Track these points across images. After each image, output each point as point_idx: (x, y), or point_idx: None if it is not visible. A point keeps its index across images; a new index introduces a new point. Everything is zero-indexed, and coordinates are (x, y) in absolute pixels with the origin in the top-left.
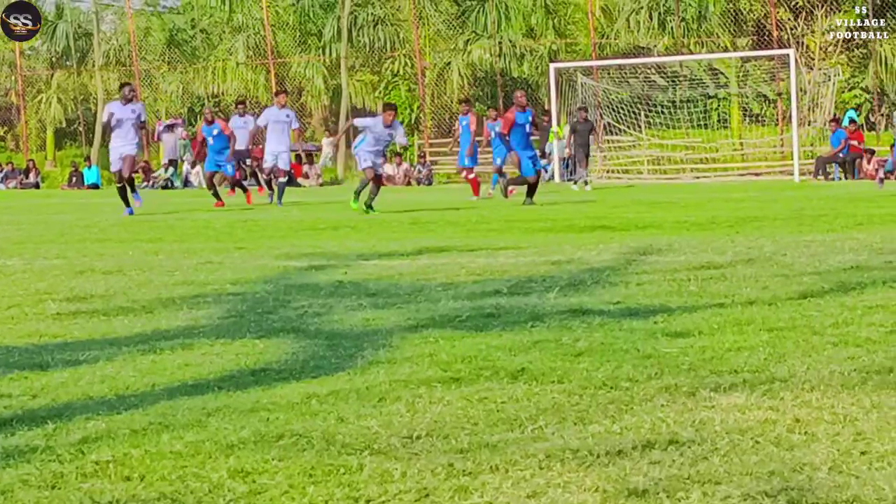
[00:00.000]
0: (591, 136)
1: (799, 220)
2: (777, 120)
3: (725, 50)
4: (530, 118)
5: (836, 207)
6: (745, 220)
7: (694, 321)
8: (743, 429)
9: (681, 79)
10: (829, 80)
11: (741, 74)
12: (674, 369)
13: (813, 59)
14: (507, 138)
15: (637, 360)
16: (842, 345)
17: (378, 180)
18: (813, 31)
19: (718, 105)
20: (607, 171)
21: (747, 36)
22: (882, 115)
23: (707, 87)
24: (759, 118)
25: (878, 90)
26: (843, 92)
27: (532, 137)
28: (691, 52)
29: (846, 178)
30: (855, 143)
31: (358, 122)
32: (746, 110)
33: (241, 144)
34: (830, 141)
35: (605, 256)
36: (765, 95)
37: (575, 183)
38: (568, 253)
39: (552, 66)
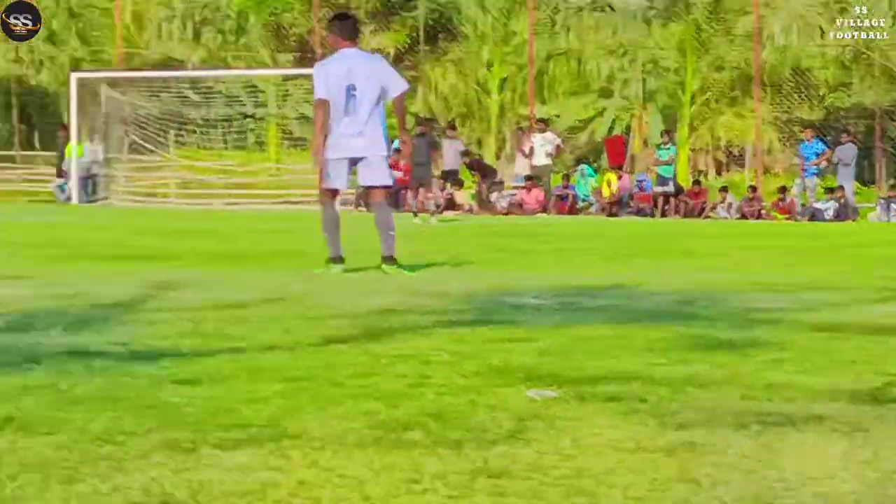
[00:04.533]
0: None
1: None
2: None
3: (266, 66)
4: None
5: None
6: (278, 255)
7: (205, 367)
8: (243, 491)
9: (216, 95)
10: None
11: (281, 93)
12: (177, 421)
13: None
14: None
15: (138, 409)
16: (361, 398)
17: None
18: None
19: (256, 125)
20: (131, 194)
21: (290, 52)
22: None
23: (245, 105)
24: (300, 142)
25: None
26: None
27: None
28: (228, 67)
29: None
30: None
31: None
32: (286, 132)
33: None
34: None
35: (118, 290)
36: (307, 117)
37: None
38: (77, 285)
39: (73, 75)
